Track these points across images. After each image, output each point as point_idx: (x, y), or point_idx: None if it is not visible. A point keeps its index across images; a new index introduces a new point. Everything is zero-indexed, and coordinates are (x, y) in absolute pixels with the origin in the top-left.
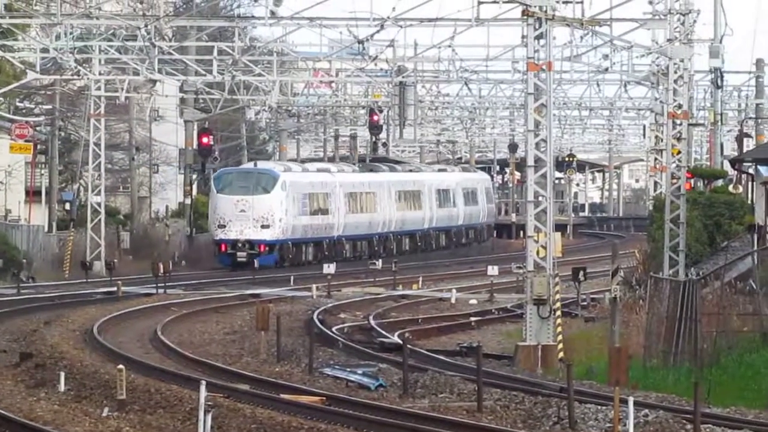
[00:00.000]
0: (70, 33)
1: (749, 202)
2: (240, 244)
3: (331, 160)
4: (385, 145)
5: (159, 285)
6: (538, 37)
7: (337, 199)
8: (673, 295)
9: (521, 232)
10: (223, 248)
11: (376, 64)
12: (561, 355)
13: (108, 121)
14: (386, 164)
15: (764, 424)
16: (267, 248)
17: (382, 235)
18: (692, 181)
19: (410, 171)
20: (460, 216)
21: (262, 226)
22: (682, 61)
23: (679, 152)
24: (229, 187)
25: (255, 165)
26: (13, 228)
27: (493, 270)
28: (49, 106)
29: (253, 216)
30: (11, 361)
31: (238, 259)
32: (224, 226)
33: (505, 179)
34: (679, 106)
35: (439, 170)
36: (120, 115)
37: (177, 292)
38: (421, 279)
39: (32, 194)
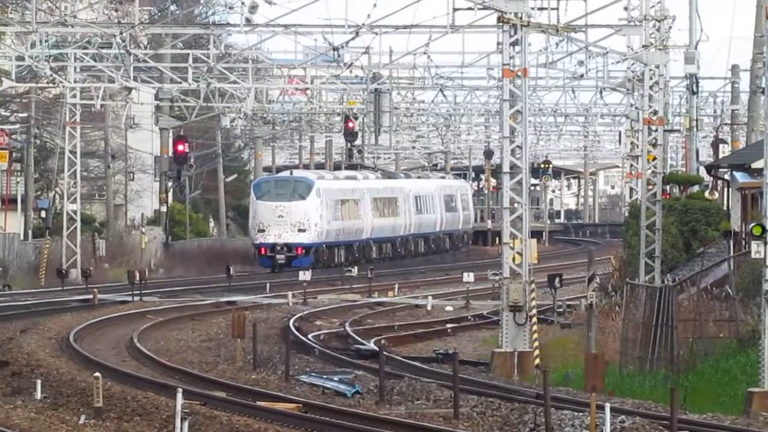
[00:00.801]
0: (46, 41)
1: (725, 208)
2: (279, 248)
3: (306, 167)
4: (360, 151)
5: (135, 293)
6: (514, 44)
7: (366, 205)
8: (650, 302)
9: (497, 239)
10: (262, 251)
11: (351, 71)
12: (537, 361)
13: (83, 128)
14: (402, 172)
15: (741, 430)
16: (304, 251)
17: (404, 238)
18: (668, 187)
19: (419, 178)
20: (461, 220)
21: (299, 230)
22: (657, 67)
23: (655, 158)
24: (267, 194)
25: (291, 173)
26: None
27: (469, 277)
28: (25, 114)
29: (290, 221)
30: None
31: (278, 261)
32: (263, 231)
33: (481, 186)
34: (655, 112)
35: (440, 177)
36: (95, 123)
37: (153, 299)
38: (396, 286)
39: (8, 202)
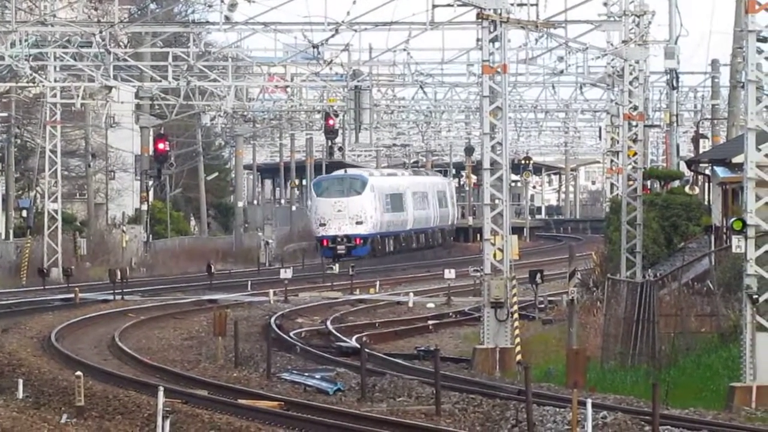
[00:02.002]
0: (25, 40)
1: (706, 203)
2: (339, 239)
3: (287, 165)
4: (341, 149)
5: (116, 291)
6: (493, 40)
7: (408, 198)
8: (631, 297)
9: (478, 235)
10: (324, 243)
11: (331, 69)
12: (519, 357)
13: (64, 128)
14: (413, 168)
15: (723, 425)
16: (361, 241)
17: (434, 229)
18: (648, 182)
19: (427, 174)
20: (449, 216)
21: (357, 223)
22: (637, 62)
23: (635, 154)
24: (327, 191)
25: (345, 172)
26: None
27: (450, 273)
28: (5, 114)
29: (348, 214)
30: None
31: (338, 252)
32: (324, 225)
33: (462, 182)
34: (635, 108)
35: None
36: (76, 122)
37: (134, 298)
38: (378, 283)
39: None
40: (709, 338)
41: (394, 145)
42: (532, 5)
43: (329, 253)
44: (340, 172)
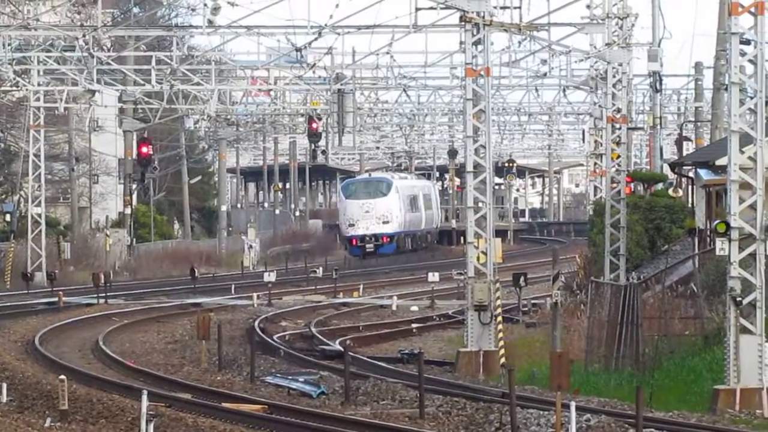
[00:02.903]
0: (8, 44)
1: (689, 205)
2: (368, 238)
3: (270, 167)
4: (324, 152)
5: (100, 295)
6: (476, 43)
7: (420, 199)
8: (614, 300)
9: (461, 238)
10: (353, 242)
11: (314, 72)
12: (503, 360)
13: (47, 132)
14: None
15: (707, 427)
16: (388, 239)
17: (437, 229)
18: (632, 185)
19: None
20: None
21: (383, 222)
22: (620, 65)
23: (619, 156)
24: (355, 194)
25: (370, 175)
26: None
27: (433, 276)
28: None
29: (375, 215)
30: None
31: (367, 250)
32: (353, 225)
33: (445, 185)
34: (618, 110)
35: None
36: (59, 126)
37: (118, 302)
38: (361, 286)
39: None
40: (693, 341)
41: (377, 148)
42: (515, 8)
43: (358, 251)
44: (364, 175)
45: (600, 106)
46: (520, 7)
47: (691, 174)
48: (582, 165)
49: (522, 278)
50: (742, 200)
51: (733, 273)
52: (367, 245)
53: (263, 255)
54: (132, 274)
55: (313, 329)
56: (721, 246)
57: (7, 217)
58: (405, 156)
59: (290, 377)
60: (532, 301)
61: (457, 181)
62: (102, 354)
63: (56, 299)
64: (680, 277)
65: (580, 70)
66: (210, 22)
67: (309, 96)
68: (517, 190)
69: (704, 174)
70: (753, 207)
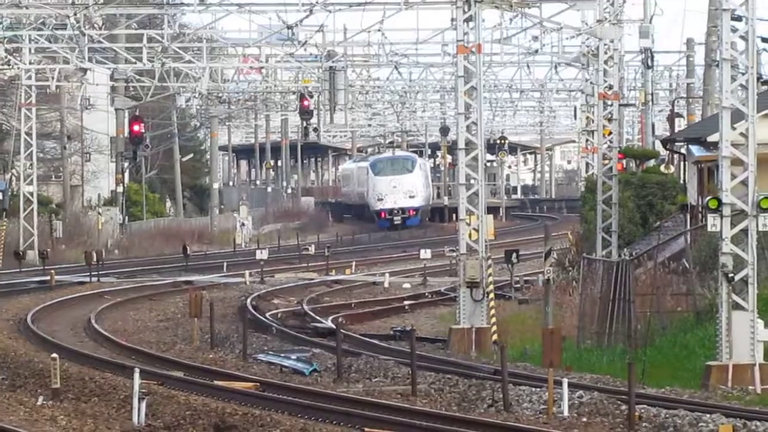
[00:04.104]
0: (0, 23)
1: (681, 182)
2: (395, 211)
3: (262, 145)
4: (316, 130)
5: (92, 273)
6: (468, 20)
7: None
8: (607, 276)
9: (453, 215)
10: (382, 215)
11: (305, 50)
12: (495, 337)
13: (39, 110)
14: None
15: (699, 403)
16: (414, 212)
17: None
18: (624, 161)
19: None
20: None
21: (410, 197)
22: (612, 41)
23: (611, 133)
24: (383, 171)
25: (394, 153)
26: None
27: (426, 253)
28: None
29: (402, 190)
30: None
31: (395, 222)
32: (382, 199)
33: (437, 162)
34: (610, 87)
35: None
36: (51, 104)
37: (110, 280)
38: (354, 264)
39: None
40: (685, 317)
41: (369, 125)
42: None
43: (386, 223)
44: (388, 153)
45: (591, 82)
46: None
47: (682, 150)
48: (574, 142)
49: (514, 255)
50: (733, 176)
51: (725, 249)
52: (395, 218)
53: (255, 232)
54: (124, 253)
55: (306, 307)
56: (713, 222)
57: None
58: (396, 133)
59: (282, 355)
60: (525, 278)
61: (449, 158)
62: (94, 332)
63: (48, 278)
64: (672, 253)
65: (571, 46)
66: (201, 0)
67: (300, 74)
68: (509, 167)
69: (696, 150)
70: (744, 183)
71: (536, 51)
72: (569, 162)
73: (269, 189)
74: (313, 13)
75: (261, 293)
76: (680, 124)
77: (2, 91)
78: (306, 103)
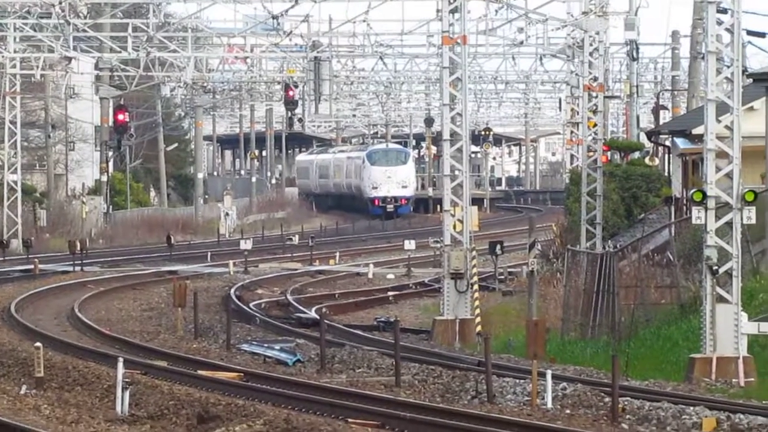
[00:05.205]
0: None
1: (666, 174)
2: (389, 199)
3: (247, 135)
4: (300, 120)
5: (76, 262)
6: (453, 11)
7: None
8: (591, 268)
9: (438, 207)
10: (376, 203)
11: (290, 40)
12: (479, 328)
13: (23, 99)
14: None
15: (683, 396)
16: (405, 201)
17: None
18: (609, 153)
19: None
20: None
21: (402, 187)
22: (597, 33)
23: (595, 125)
24: (378, 161)
25: (387, 146)
26: None
27: (410, 244)
28: None
29: (395, 180)
30: None
31: (388, 210)
32: (376, 188)
33: (422, 153)
34: (595, 79)
35: None
36: (35, 93)
37: (94, 269)
38: (338, 254)
39: None
40: (669, 309)
41: (354, 116)
42: None
43: (380, 211)
44: (382, 146)
45: (577, 74)
46: None
47: (667, 143)
48: (558, 133)
49: (498, 246)
50: (718, 169)
51: (709, 242)
52: (388, 206)
53: (240, 223)
54: (108, 242)
55: (289, 297)
56: (697, 215)
57: None
58: (382, 124)
59: (266, 345)
60: (509, 270)
61: (434, 149)
62: (78, 321)
63: (32, 266)
64: (656, 245)
65: (556, 38)
66: None
67: (285, 64)
68: (494, 158)
69: (681, 143)
70: (729, 176)
71: (521, 42)
72: (554, 154)
73: (254, 179)
74: (299, 3)
75: (245, 283)
76: (665, 117)
77: None
78: (291, 93)
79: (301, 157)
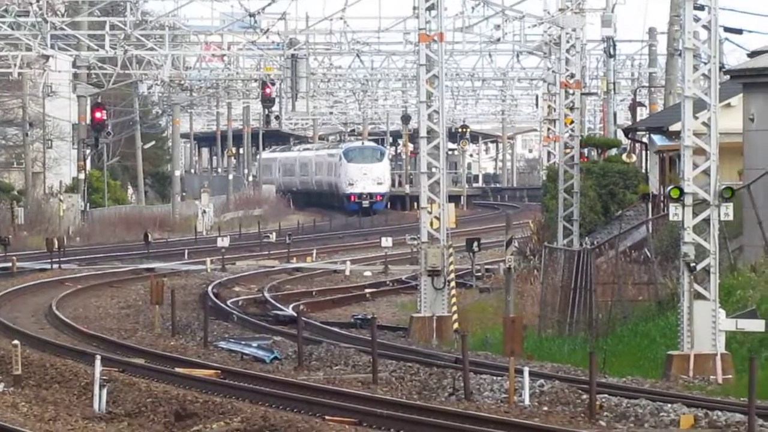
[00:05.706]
0: None
1: (643, 171)
2: (364, 196)
3: (224, 133)
4: (277, 117)
5: (54, 260)
6: (430, 8)
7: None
8: (568, 265)
9: (415, 204)
10: (352, 198)
11: (267, 37)
12: (456, 326)
13: (1, 97)
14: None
15: (660, 393)
16: (381, 198)
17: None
18: (586, 150)
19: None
20: None
21: (378, 183)
22: (574, 30)
23: (572, 122)
24: (354, 159)
25: (363, 144)
26: None
27: (387, 242)
28: None
29: (371, 177)
30: None
31: (363, 206)
32: (353, 184)
33: (399, 151)
34: (572, 76)
35: None
36: (13, 91)
37: (72, 267)
38: (315, 252)
39: None
40: (647, 306)
41: (331, 113)
42: None
43: (355, 206)
44: (358, 143)
45: (553, 71)
46: None
47: (644, 139)
48: (535, 130)
49: (475, 243)
50: (695, 166)
51: (686, 238)
52: (364, 202)
53: (217, 220)
54: (85, 240)
55: (267, 294)
56: (674, 211)
57: None
58: (358, 122)
59: (243, 342)
60: (486, 267)
61: (411, 146)
62: (55, 319)
63: (10, 264)
64: (634, 242)
65: (533, 35)
66: None
67: (262, 61)
68: (471, 155)
69: (658, 140)
70: (707, 172)
71: (498, 39)
72: (531, 151)
73: (231, 177)
74: (275, 1)
75: (222, 281)
76: (642, 114)
77: None
78: (268, 90)
79: (266, 154)
